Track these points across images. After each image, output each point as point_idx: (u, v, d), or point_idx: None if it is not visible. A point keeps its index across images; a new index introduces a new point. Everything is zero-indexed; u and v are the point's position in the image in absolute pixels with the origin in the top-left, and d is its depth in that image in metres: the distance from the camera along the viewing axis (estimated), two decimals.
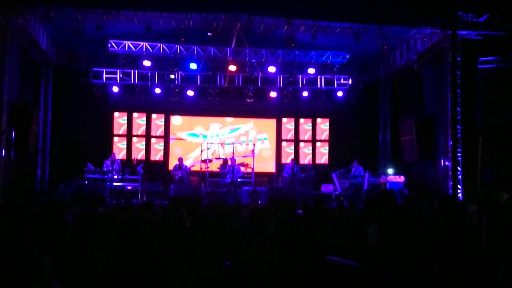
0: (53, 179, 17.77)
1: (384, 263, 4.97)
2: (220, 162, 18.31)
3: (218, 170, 18.11)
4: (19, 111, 15.15)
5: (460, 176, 14.44)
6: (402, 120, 17.69)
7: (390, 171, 18.10)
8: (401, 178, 16.68)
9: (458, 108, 14.65)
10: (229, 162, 17.59)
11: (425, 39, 16.13)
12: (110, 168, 16.76)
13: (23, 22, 14.38)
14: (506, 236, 6.88)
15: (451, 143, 14.57)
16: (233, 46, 17.11)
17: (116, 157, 17.76)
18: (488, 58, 14.63)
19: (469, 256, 5.16)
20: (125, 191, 16.49)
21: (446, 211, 6.09)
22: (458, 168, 14.46)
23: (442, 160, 15.64)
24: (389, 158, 20.02)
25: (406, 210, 7.23)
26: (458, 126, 14.59)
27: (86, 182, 16.00)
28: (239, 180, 17.43)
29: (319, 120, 21.33)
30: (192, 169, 18.62)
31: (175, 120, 20.83)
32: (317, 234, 5.62)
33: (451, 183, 14.48)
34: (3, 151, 13.73)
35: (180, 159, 18.13)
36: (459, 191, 14.30)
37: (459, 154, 14.52)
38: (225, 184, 17.34)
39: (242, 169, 18.14)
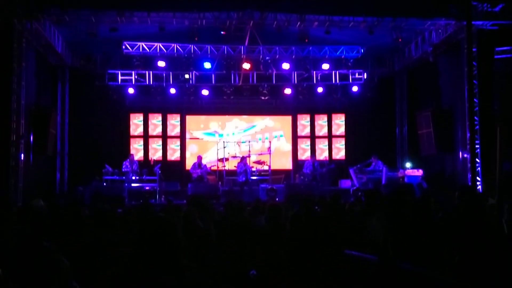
0: (72, 181, 17.93)
1: (403, 255, 4.94)
2: (237, 160, 18.35)
3: (235, 168, 18.14)
4: (36, 115, 15.34)
5: (479, 168, 14.28)
6: (418, 113, 17.54)
7: (408, 164, 17.97)
8: (419, 172, 16.55)
9: (475, 99, 14.49)
10: (241, 161, 17.65)
11: (440, 30, 15.96)
12: (129, 168, 16.91)
13: (38, 26, 14.50)
14: None
15: (469, 134, 14.41)
16: (246, 44, 17.11)
17: (134, 158, 17.87)
18: (505, 48, 14.45)
19: (490, 247, 5.10)
20: (143, 191, 16.58)
21: (467, 201, 6.03)
22: (477, 160, 14.32)
23: (460, 152, 15.48)
24: (406, 152, 19.87)
25: (424, 203, 7.17)
26: (475, 118, 14.44)
27: (104, 184, 16.14)
28: (252, 178, 17.46)
29: (334, 115, 21.24)
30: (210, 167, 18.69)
31: (191, 119, 20.90)
32: (334, 229, 5.60)
33: (470, 175, 14.33)
34: (22, 154, 13.87)
35: (199, 157, 18.19)
36: (478, 183, 14.16)
37: (477, 146, 14.36)
38: (239, 182, 17.36)
39: (259, 166, 18.15)
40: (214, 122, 21.04)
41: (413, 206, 6.13)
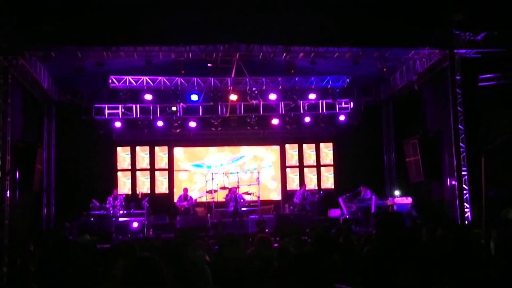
0: (59, 217, 17.69)
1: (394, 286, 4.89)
2: (226, 192, 18.26)
3: (224, 200, 18.04)
4: (23, 151, 15.18)
5: (467, 195, 14.30)
6: (406, 141, 17.62)
7: (396, 192, 17.97)
8: (409, 200, 16.55)
9: (460, 127, 14.59)
10: (230, 192, 17.55)
11: (424, 59, 16.17)
12: (112, 203, 16.72)
13: (24, 63, 14.51)
14: None
15: (455, 162, 14.46)
16: (233, 75, 17.20)
17: (119, 193, 17.71)
18: (488, 75, 14.63)
19: (480, 277, 5.08)
20: (131, 226, 16.39)
21: (451, 236, 6.04)
22: (464, 186, 14.34)
23: (448, 180, 15.51)
24: (395, 180, 19.88)
25: (415, 233, 7.14)
26: (461, 145, 14.52)
27: (92, 219, 15.96)
28: (242, 209, 17.35)
29: (322, 144, 21.28)
30: (198, 200, 18.58)
31: (179, 152, 20.85)
32: (325, 263, 5.52)
33: (458, 203, 14.31)
34: (8, 191, 13.68)
35: (185, 190, 18.09)
36: (466, 210, 14.15)
37: (464, 173, 14.40)
38: (229, 213, 17.24)
39: (248, 197, 18.05)
40: (202, 154, 21.00)
41: (404, 236, 6.09)
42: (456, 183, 14.45)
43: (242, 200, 17.53)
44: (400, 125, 19.75)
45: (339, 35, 14.27)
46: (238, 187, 17.84)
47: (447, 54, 14.70)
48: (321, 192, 18.97)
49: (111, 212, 16.43)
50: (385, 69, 15.81)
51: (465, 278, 5.16)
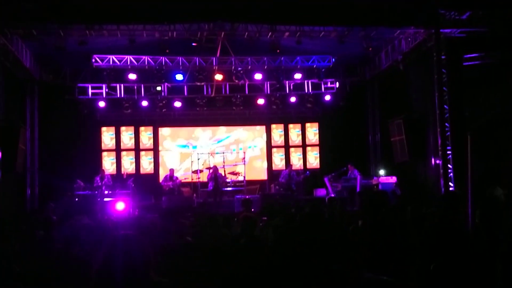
0: (43, 197, 17.54)
1: (378, 264, 4.91)
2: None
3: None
4: (5, 131, 14.97)
5: (451, 174, 14.40)
6: (391, 121, 17.66)
7: (381, 172, 18.06)
8: (393, 179, 16.64)
9: (445, 106, 14.63)
10: (211, 170, 17.53)
11: (409, 39, 16.13)
12: (100, 184, 16.64)
13: (5, 41, 14.24)
14: (502, 232, 6.83)
15: (440, 141, 14.52)
16: (218, 55, 17.06)
17: (106, 173, 17.62)
18: (473, 55, 14.64)
19: (466, 254, 5.11)
20: (116, 206, 16.31)
21: (435, 214, 6.07)
22: (449, 165, 14.44)
23: (433, 159, 15.59)
24: (380, 159, 19.95)
25: (398, 211, 7.17)
26: (446, 124, 14.56)
27: (76, 199, 15.85)
28: (227, 188, 17.35)
29: (308, 124, 21.29)
30: (184, 180, 18.54)
31: (164, 132, 20.74)
32: (316, 241, 5.53)
33: (443, 181, 14.43)
34: None
35: (171, 170, 18.04)
36: (451, 189, 14.26)
37: (449, 152, 14.48)
38: (209, 193, 17.21)
39: (233, 177, 18.04)
40: (187, 134, 20.91)
41: (388, 215, 6.12)
42: (441, 162, 14.53)
43: (222, 179, 17.48)
44: (385, 105, 19.75)
45: (324, 14, 14.17)
46: (223, 167, 17.82)
47: (432, 34, 14.68)
48: (307, 172, 19.02)
49: (96, 192, 16.34)
50: (370, 49, 15.77)
51: (450, 255, 5.19)
